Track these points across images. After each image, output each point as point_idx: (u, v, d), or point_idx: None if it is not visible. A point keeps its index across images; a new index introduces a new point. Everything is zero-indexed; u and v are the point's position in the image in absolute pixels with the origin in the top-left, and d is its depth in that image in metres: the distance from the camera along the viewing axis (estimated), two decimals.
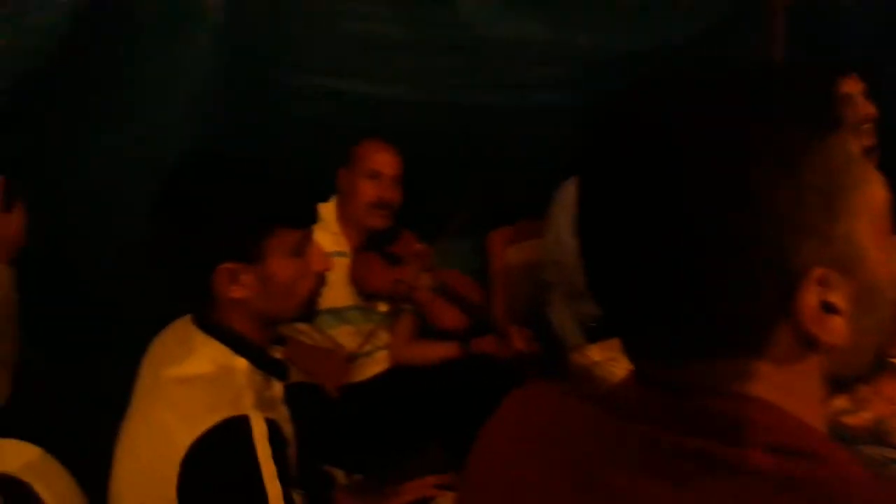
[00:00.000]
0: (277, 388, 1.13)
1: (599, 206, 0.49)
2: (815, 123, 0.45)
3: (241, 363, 1.03)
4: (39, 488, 1.23)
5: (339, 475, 1.74)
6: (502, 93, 2.04)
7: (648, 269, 0.46)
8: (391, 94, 1.95)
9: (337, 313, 1.92)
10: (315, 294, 1.12)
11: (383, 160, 1.90)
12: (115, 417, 1.07)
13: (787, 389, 0.46)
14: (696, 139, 0.44)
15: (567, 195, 2.16)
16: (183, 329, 1.07)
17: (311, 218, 1.10)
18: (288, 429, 1.06)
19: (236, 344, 1.03)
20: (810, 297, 0.44)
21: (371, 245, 1.95)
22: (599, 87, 1.87)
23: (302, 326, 1.91)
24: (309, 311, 1.12)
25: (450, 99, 2.00)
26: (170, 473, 0.91)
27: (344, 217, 1.95)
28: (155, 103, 1.61)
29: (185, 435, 0.91)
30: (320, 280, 1.12)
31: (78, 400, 1.55)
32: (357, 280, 1.91)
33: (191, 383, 0.97)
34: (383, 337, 2.02)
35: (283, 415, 1.10)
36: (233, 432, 0.92)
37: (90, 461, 1.12)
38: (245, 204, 1.00)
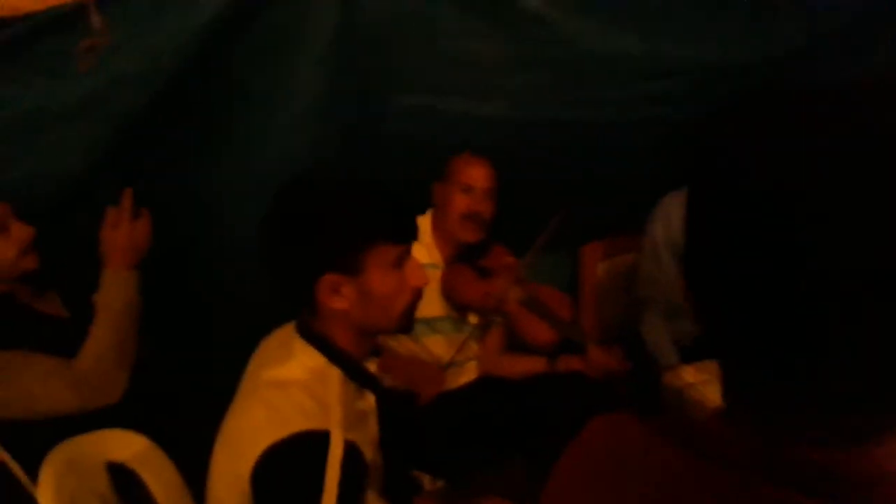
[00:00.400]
0: (369, 399, 1.16)
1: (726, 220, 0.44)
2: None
3: (335, 373, 1.06)
4: (147, 477, 1.32)
5: (427, 481, 1.76)
6: (602, 108, 2.01)
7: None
8: (489, 112, 1.95)
9: (428, 323, 1.95)
10: (412, 308, 1.14)
11: (476, 173, 1.92)
12: (220, 414, 1.12)
13: None
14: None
15: (667, 209, 2.11)
16: (287, 334, 1.12)
17: (412, 234, 1.12)
18: (370, 451, 1.08)
19: (332, 354, 1.07)
20: None
21: (463, 258, 1.96)
22: (701, 102, 1.80)
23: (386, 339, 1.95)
24: (407, 324, 1.14)
25: (548, 115, 1.99)
26: (245, 470, 0.95)
27: (437, 230, 1.98)
28: (265, 120, 1.69)
29: (267, 435, 0.94)
30: (417, 295, 1.14)
31: (187, 395, 1.64)
32: (448, 292, 1.93)
33: (284, 387, 1.01)
34: (473, 348, 2.03)
35: (369, 432, 1.13)
36: (310, 445, 0.94)
37: (194, 454, 1.18)
38: (348, 218, 1.04)
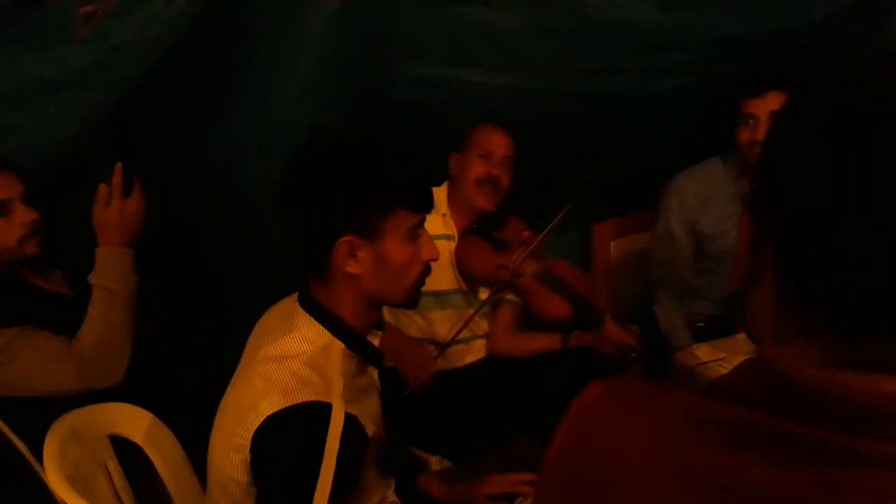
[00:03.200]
0: (372, 374, 1.14)
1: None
2: None
3: (338, 346, 1.04)
4: (150, 451, 1.31)
5: (434, 461, 1.74)
6: (615, 79, 1.96)
7: None
8: (503, 82, 1.92)
9: (439, 296, 1.92)
10: (421, 282, 1.12)
11: (495, 141, 1.88)
12: (222, 388, 1.11)
13: None
14: None
15: (681, 187, 2.06)
16: (288, 307, 1.10)
17: (430, 205, 1.10)
18: (372, 426, 1.06)
19: (335, 326, 1.05)
20: None
21: (478, 229, 1.93)
22: (714, 73, 1.76)
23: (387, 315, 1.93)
24: (414, 297, 1.12)
25: (562, 85, 1.95)
26: (245, 439, 0.94)
27: (454, 201, 1.94)
28: (269, 89, 1.66)
29: (267, 406, 0.93)
30: (427, 269, 1.12)
31: (189, 371, 1.63)
32: (461, 263, 1.90)
33: (286, 360, 0.99)
34: (482, 325, 2.00)
35: (371, 406, 1.11)
36: (312, 416, 0.93)
37: (196, 428, 1.16)
38: (374, 180, 1.02)
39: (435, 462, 1.74)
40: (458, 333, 1.90)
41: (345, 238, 1.00)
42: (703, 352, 1.68)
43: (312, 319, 1.04)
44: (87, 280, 1.45)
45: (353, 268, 1.02)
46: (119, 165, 1.45)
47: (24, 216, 1.41)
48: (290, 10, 1.58)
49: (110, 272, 1.44)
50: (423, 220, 1.09)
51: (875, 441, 0.41)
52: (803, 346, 0.46)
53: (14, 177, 1.43)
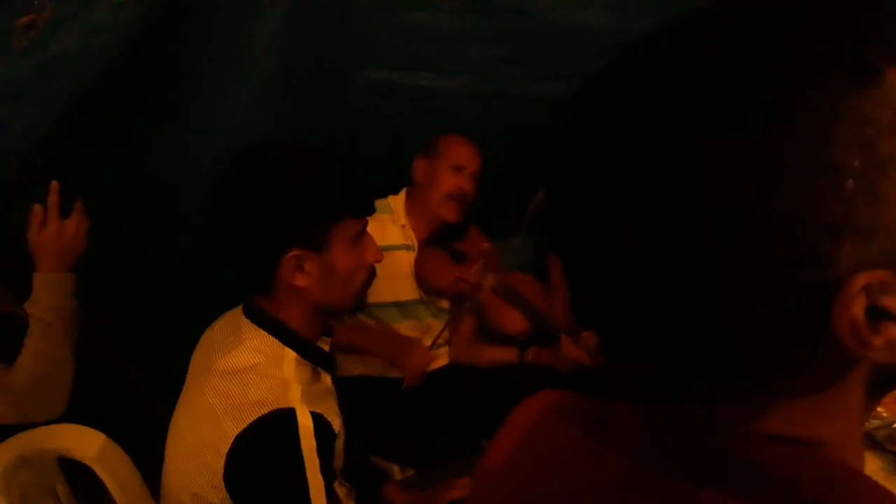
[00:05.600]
0: (326, 380, 1.13)
1: (587, 206, 0.39)
2: (848, 71, 0.33)
3: (290, 355, 1.03)
4: (101, 472, 1.27)
5: (395, 470, 1.73)
6: (568, 83, 1.98)
7: (642, 281, 0.37)
8: (455, 87, 1.91)
9: (401, 307, 1.91)
10: (367, 286, 1.11)
11: (467, 155, 1.88)
12: (172, 406, 1.08)
13: (827, 424, 0.38)
14: (695, 106, 0.35)
15: None
16: (233, 320, 1.08)
17: (372, 208, 1.09)
18: (336, 422, 1.05)
19: (285, 336, 1.03)
20: (855, 309, 0.33)
21: (437, 240, 1.92)
22: None
23: (365, 320, 1.91)
24: (360, 303, 1.11)
25: (516, 90, 1.95)
26: (216, 463, 0.92)
27: (414, 209, 1.93)
28: (219, 99, 1.63)
29: (232, 426, 0.92)
30: (373, 272, 1.11)
31: (139, 389, 1.59)
32: (419, 275, 1.89)
33: (239, 374, 0.97)
34: (445, 334, 2.00)
35: (331, 408, 1.10)
36: (279, 424, 0.92)
37: (150, 448, 1.14)
38: (318, 191, 1.00)
39: (397, 471, 1.73)
40: (433, 345, 1.88)
41: (293, 253, 0.99)
42: None
43: (261, 330, 1.03)
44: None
45: (300, 281, 1.01)
46: (55, 184, 1.36)
47: None
48: (240, 18, 1.56)
49: (47, 300, 1.34)
50: (366, 224, 1.07)
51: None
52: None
53: None
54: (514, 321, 1.86)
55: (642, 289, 0.37)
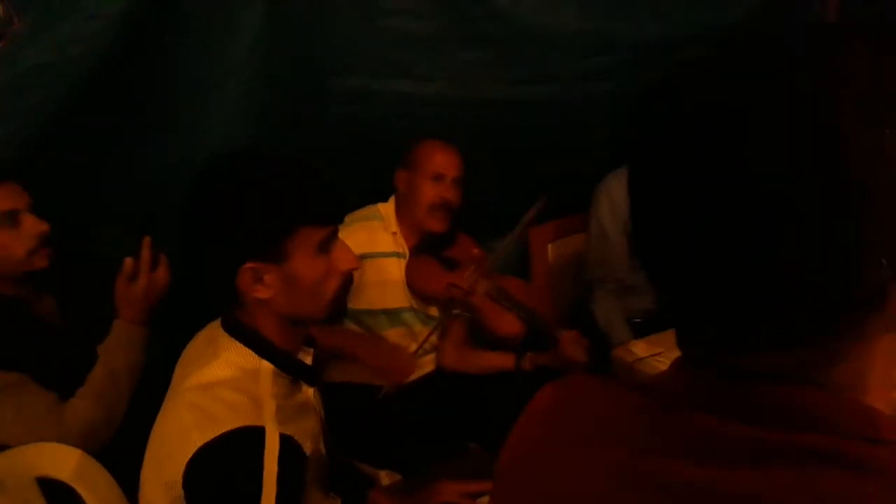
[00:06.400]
0: (307, 392, 1.12)
1: (671, 187, 0.45)
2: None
3: (266, 367, 1.02)
4: (83, 491, 1.25)
5: (384, 475, 1.72)
6: (544, 86, 1.99)
7: (731, 247, 0.42)
8: (432, 92, 1.91)
9: (390, 314, 1.90)
10: (342, 294, 1.09)
11: (446, 162, 1.86)
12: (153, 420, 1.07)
13: (861, 376, 0.44)
14: (772, 106, 0.40)
15: (610, 188, 2.10)
16: (212, 332, 1.07)
17: (336, 216, 1.06)
18: (310, 444, 1.04)
19: (262, 348, 1.02)
20: None
21: (427, 248, 1.92)
22: (639, 78, 1.80)
23: (352, 326, 1.91)
24: (337, 311, 1.10)
25: (492, 94, 1.96)
26: (177, 476, 0.91)
27: (402, 217, 1.92)
28: (196, 108, 1.62)
29: (197, 437, 0.90)
30: (347, 280, 1.09)
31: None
32: (411, 283, 1.88)
33: (213, 387, 0.96)
34: (432, 340, 1.99)
35: (308, 425, 1.08)
36: (244, 442, 0.90)
37: (131, 464, 1.12)
38: (268, 202, 0.98)
39: (384, 477, 1.73)
40: (417, 351, 1.88)
41: (247, 265, 0.97)
42: (640, 347, 1.72)
43: (237, 343, 1.01)
44: (79, 309, 1.41)
45: (261, 293, 0.99)
46: (147, 239, 1.40)
47: (34, 227, 1.36)
48: (217, 28, 1.55)
49: (121, 350, 1.40)
50: (334, 231, 1.05)
51: (806, 435, 0.42)
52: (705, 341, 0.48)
53: (19, 188, 1.38)
54: (509, 324, 1.86)
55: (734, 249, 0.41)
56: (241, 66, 1.61)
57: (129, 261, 1.39)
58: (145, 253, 1.41)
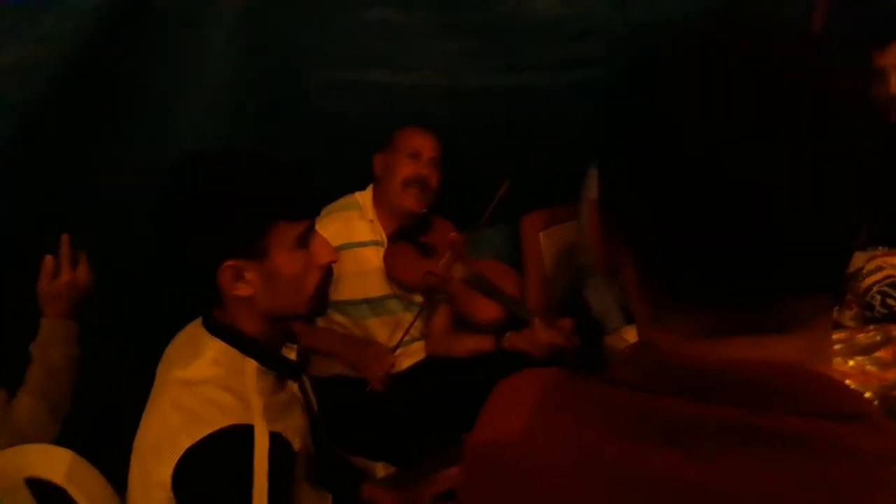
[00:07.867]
0: (291, 387, 1.11)
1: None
2: None
3: (251, 365, 1.01)
4: (74, 492, 1.25)
5: (379, 468, 1.72)
6: (530, 74, 1.98)
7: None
8: (416, 82, 1.91)
9: (373, 303, 1.90)
10: (324, 288, 1.08)
11: (422, 142, 1.87)
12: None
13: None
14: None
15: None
16: (194, 331, 1.06)
17: (312, 210, 1.06)
18: (298, 440, 1.03)
19: (244, 345, 1.02)
20: None
21: (404, 235, 1.91)
22: (624, 63, 1.78)
23: (337, 318, 1.90)
24: (319, 306, 1.09)
25: (477, 83, 1.95)
26: (166, 477, 0.90)
27: (380, 205, 1.92)
28: (173, 108, 1.61)
29: (186, 438, 0.89)
30: (328, 273, 1.08)
31: (108, 404, 1.56)
32: (389, 272, 1.88)
33: (196, 386, 0.95)
34: (419, 328, 1.99)
35: (295, 421, 1.08)
36: (233, 441, 0.90)
37: (121, 463, 1.11)
38: (241, 199, 0.97)
39: (380, 469, 1.72)
40: (401, 341, 1.87)
41: (227, 264, 0.97)
42: (632, 334, 1.71)
43: (220, 341, 1.01)
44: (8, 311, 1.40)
45: (242, 290, 0.99)
46: (66, 237, 1.41)
47: None
48: (193, 23, 1.54)
49: (55, 345, 1.40)
50: (311, 226, 1.04)
51: (762, 416, 0.42)
52: (676, 323, 0.47)
53: None
54: (487, 310, 1.85)
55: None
56: (218, 62, 1.60)
57: (49, 259, 1.40)
58: (65, 249, 1.42)
